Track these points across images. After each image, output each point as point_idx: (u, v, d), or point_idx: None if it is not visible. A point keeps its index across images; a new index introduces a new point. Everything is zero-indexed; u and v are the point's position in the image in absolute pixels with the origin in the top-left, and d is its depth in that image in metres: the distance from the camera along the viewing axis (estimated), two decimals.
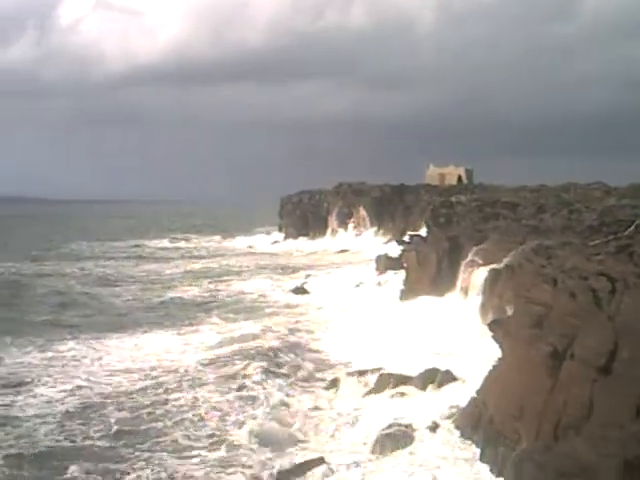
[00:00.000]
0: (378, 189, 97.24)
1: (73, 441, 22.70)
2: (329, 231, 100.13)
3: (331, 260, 78.29)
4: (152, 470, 20.12)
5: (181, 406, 25.73)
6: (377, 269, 61.68)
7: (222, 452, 21.49)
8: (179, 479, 19.59)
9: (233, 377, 29.24)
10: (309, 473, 19.64)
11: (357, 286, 56.38)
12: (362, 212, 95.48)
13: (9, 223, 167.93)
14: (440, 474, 18.87)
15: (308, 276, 63.70)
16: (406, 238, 62.25)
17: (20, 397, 26.91)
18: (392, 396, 25.68)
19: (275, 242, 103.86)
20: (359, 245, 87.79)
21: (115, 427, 23.70)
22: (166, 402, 26.28)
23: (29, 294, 55.04)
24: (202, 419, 24.43)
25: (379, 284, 55.05)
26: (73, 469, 20.16)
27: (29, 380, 29.11)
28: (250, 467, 20.34)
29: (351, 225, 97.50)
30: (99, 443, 22.46)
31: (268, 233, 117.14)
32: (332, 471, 19.76)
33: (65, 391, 27.67)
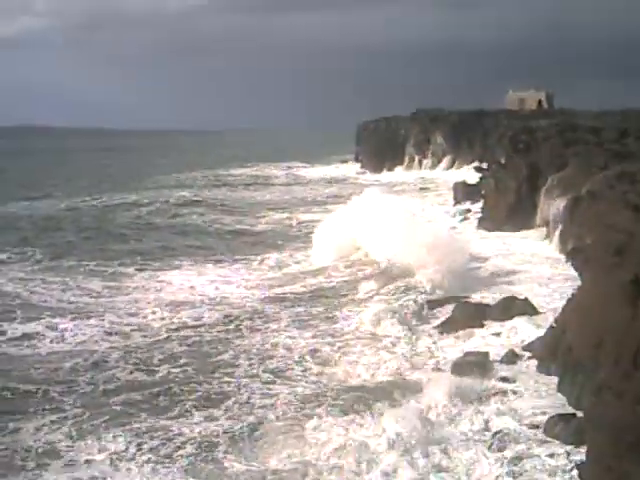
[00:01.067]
0: (456, 115, 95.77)
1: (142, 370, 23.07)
2: (406, 160, 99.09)
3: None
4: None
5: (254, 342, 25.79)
6: (455, 197, 61.30)
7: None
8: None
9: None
10: None
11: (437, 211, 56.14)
12: (439, 139, 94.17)
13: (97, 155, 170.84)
14: (517, 403, 18.98)
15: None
16: (484, 166, 61.53)
17: (87, 326, 27.46)
18: (469, 326, 25.63)
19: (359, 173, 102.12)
20: (437, 175, 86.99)
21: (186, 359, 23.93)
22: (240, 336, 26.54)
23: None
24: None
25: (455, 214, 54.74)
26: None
27: (99, 310, 29.68)
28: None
29: (429, 154, 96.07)
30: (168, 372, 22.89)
31: (344, 162, 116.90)
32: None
33: (130, 324, 28.05)
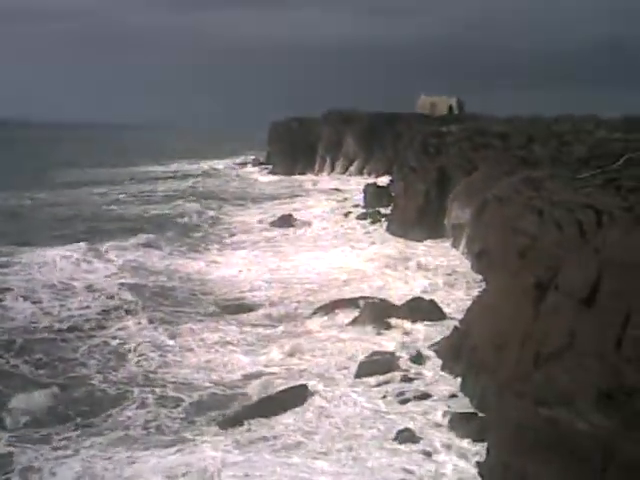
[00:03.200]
0: (368, 117, 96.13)
1: None
2: (317, 161, 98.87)
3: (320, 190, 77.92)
4: None
5: None
6: (365, 199, 61.60)
7: None
8: None
9: None
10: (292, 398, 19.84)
11: (345, 215, 56.31)
12: (351, 141, 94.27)
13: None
14: (421, 402, 19.18)
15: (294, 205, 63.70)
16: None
17: None
18: (376, 326, 25.78)
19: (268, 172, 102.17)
20: (346, 179, 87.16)
21: None
22: None
23: None
24: None
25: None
26: None
27: None
28: None
29: (341, 157, 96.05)
30: None
31: (254, 164, 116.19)
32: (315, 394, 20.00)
33: None
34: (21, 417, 19.39)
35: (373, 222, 51.04)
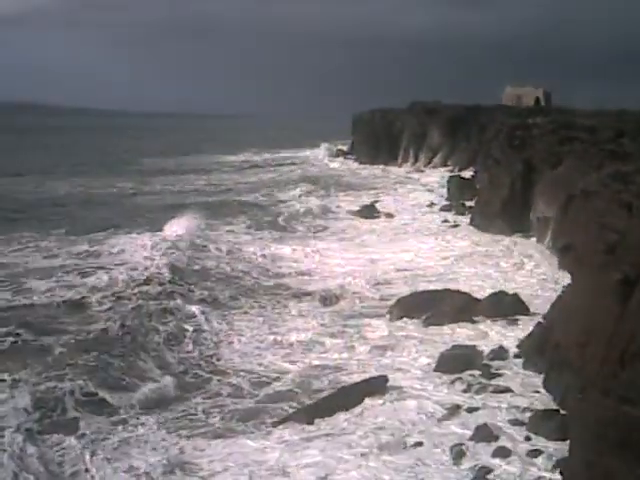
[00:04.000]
0: (452, 109, 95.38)
1: None
2: (401, 153, 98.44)
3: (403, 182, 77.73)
4: None
5: None
6: (449, 191, 61.25)
7: None
8: None
9: None
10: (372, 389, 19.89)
11: (429, 207, 56.12)
12: (435, 133, 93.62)
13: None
14: (502, 398, 19.00)
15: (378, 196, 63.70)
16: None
17: None
18: (458, 319, 25.65)
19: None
20: (431, 171, 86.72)
21: None
22: None
23: None
24: None
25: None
26: None
27: None
28: None
29: (425, 148, 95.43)
30: None
31: (340, 151, 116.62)
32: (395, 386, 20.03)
33: None
34: None
35: (457, 214, 50.72)
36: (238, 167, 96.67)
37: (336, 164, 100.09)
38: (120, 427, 18.41)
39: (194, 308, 27.90)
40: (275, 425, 18.55)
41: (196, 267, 34.42)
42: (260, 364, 22.86)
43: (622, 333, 15.37)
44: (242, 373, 22.11)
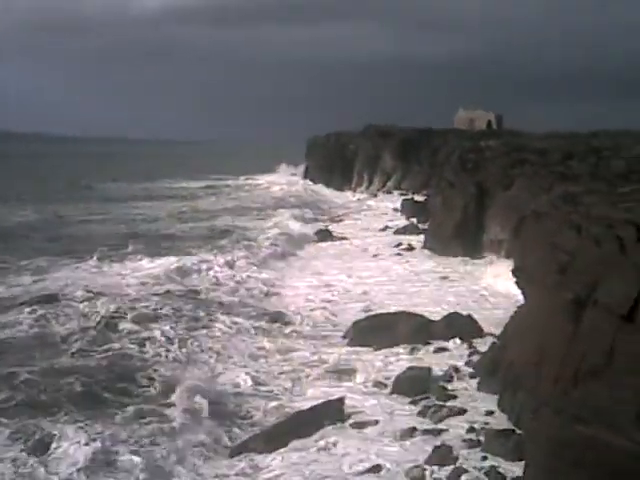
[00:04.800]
0: (405, 132, 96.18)
1: None
2: (355, 176, 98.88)
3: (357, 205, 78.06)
4: None
5: None
6: (402, 213, 61.66)
7: None
8: None
9: None
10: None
11: (382, 230, 56.37)
12: (388, 156, 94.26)
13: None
14: (458, 420, 19.02)
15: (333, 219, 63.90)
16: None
17: None
18: (413, 341, 25.70)
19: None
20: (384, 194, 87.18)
21: None
22: None
23: None
24: None
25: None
26: None
27: None
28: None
29: (378, 172, 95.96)
30: None
31: (293, 175, 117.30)
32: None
33: None
34: None
35: (410, 237, 50.99)
36: (193, 194, 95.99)
37: (292, 188, 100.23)
38: None
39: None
40: (232, 455, 18.29)
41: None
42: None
43: (574, 352, 15.53)
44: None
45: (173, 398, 21.08)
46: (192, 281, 36.62)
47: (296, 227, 57.49)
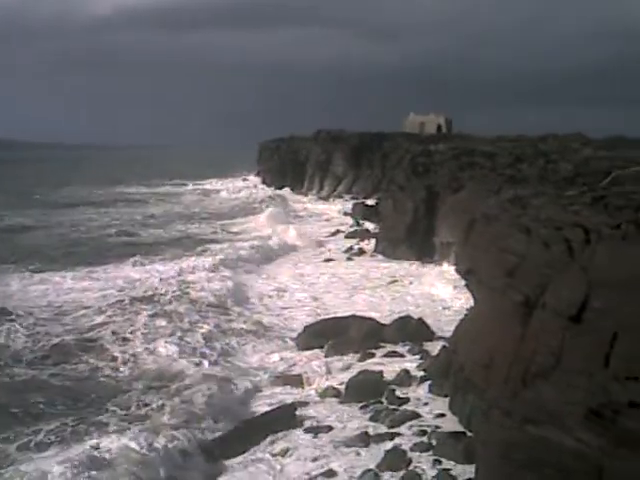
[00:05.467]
0: (356, 137, 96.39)
1: None
2: (307, 180, 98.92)
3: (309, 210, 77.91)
4: None
5: None
6: (353, 217, 61.74)
7: None
8: None
9: None
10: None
11: (334, 234, 56.37)
12: (340, 160, 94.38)
13: None
14: (410, 423, 19.03)
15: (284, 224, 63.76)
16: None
17: None
18: (364, 345, 25.68)
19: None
20: (335, 198, 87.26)
21: None
22: None
23: None
24: None
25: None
26: None
27: None
28: None
29: (329, 176, 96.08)
30: None
31: (245, 180, 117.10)
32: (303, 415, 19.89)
33: None
34: None
35: (361, 241, 51.09)
36: (143, 200, 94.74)
37: (242, 193, 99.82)
38: None
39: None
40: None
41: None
42: None
43: (523, 354, 15.64)
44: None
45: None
46: (142, 289, 36.05)
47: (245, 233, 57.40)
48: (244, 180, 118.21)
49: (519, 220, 21.68)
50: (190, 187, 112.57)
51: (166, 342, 26.73)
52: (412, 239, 43.78)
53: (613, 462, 11.26)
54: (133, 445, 17.50)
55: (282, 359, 25.36)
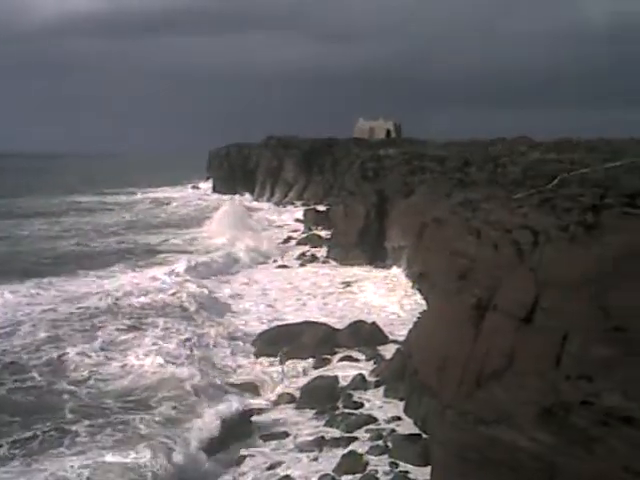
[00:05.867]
0: (306, 143, 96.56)
1: None
2: (257, 186, 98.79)
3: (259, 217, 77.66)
4: None
5: None
6: (304, 223, 61.78)
7: None
8: None
9: None
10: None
11: (286, 241, 56.35)
12: (291, 166, 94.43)
13: None
14: (366, 427, 19.12)
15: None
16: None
17: None
18: (318, 350, 25.73)
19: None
20: (286, 204, 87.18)
21: None
22: None
23: None
24: None
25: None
26: None
27: None
28: None
29: (280, 183, 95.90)
30: None
31: (195, 187, 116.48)
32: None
33: None
34: None
35: (313, 247, 51.13)
36: (89, 209, 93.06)
37: (193, 201, 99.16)
38: None
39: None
40: None
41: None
42: None
43: (476, 355, 15.83)
44: None
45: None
46: (92, 301, 35.36)
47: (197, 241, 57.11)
48: (194, 188, 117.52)
49: (469, 223, 21.95)
50: (140, 196, 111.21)
51: (124, 352, 26.36)
52: (364, 244, 43.97)
53: (566, 460, 11.42)
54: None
55: (238, 366, 25.25)
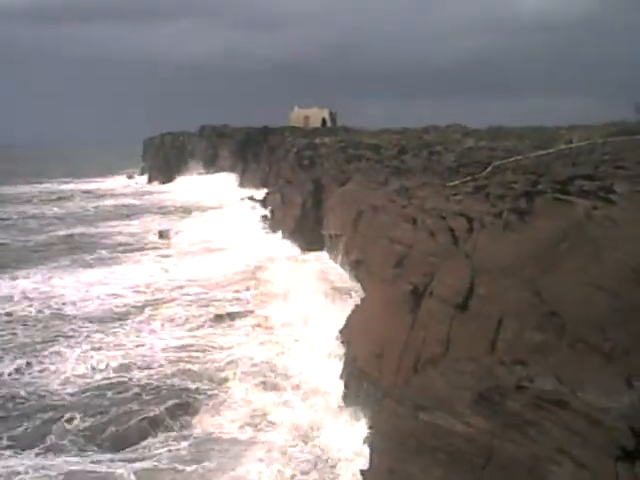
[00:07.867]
0: (242, 131, 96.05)
1: None
2: (193, 175, 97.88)
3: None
4: None
5: None
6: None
7: None
8: None
9: None
10: None
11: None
12: (226, 155, 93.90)
13: None
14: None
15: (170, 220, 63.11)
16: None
17: None
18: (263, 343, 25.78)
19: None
20: (222, 190, 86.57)
21: None
22: None
23: None
24: None
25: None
26: None
27: None
28: None
29: (217, 170, 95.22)
30: None
31: (130, 177, 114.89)
32: None
33: None
34: None
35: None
36: (28, 199, 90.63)
37: (128, 190, 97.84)
38: None
39: None
40: None
41: None
42: None
43: (414, 342, 15.97)
44: None
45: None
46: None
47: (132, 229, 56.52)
48: (129, 177, 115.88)
49: (405, 210, 22.11)
50: (73, 186, 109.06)
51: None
52: (301, 232, 43.95)
53: (502, 444, 11.62)
54: None
55: None
